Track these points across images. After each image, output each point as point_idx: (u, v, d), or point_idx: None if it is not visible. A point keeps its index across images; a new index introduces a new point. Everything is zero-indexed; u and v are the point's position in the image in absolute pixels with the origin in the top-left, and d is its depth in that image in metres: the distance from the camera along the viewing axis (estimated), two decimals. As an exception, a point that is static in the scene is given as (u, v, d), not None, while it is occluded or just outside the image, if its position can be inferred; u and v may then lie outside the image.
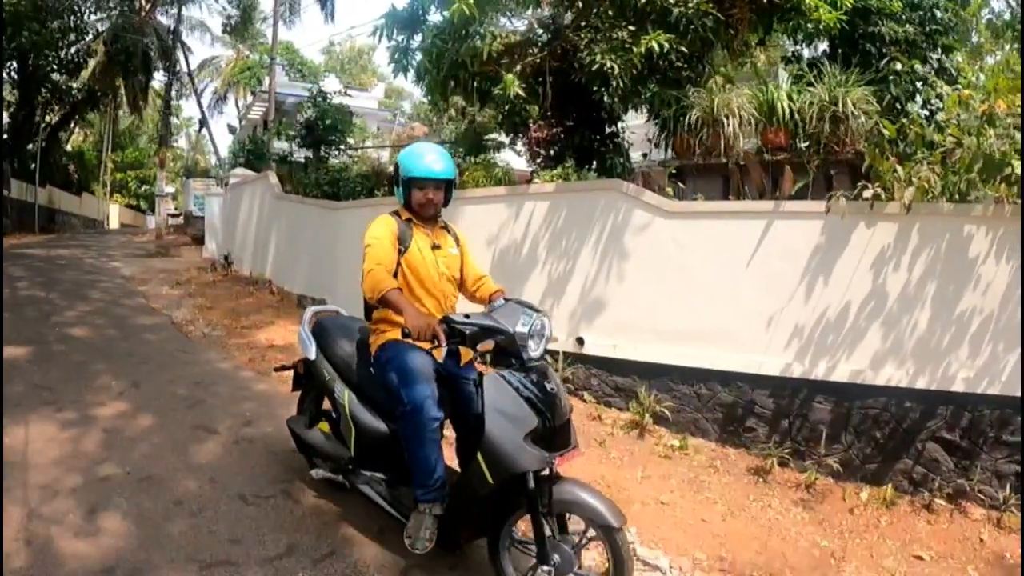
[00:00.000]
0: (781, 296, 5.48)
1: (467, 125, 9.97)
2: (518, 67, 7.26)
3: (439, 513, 3.32)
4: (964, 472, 5.20)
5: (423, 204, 3.67)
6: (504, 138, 9.23)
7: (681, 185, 6.64)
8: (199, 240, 19.07)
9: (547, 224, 6.48)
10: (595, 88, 6.78)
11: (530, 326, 3.14)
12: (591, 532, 3.17)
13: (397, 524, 3.51)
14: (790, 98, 6.22)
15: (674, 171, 6.99)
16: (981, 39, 10.06)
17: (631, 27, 6.78)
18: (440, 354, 3.52)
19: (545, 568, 3.10)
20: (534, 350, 3.17)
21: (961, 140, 5.36)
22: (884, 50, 7.06)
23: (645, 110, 7.55)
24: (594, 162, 7.52)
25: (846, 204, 5.15)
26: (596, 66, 6.54)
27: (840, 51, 7.72)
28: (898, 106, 6.81)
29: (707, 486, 5.10)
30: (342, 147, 13.19)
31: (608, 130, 7.89)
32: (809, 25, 6.97)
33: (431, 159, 3.63)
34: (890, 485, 5.20)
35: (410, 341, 3.22)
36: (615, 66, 6.47)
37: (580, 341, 6.13)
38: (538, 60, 7.41)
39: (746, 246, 5.58)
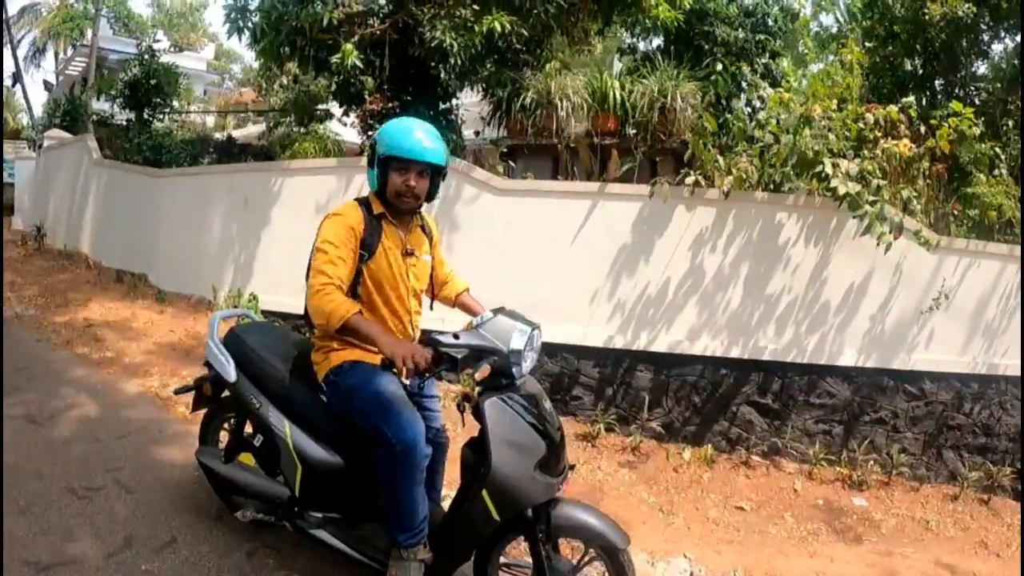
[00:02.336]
0: (605, 272, 5.73)
1: (299, 93, 9.59)
2: (357, 37, 7.06)
3: (425, 558, 2.86)
4: (777, 431, 5.80)
5: (401, 193, 2.83)
6: (337, 109, 8.95)
7: (512, 164, 6.75)
8: (8, 210, 17.39)
9: (376, 197, 6.35)
10: (433, 64, 6.72)
11: (525, 341, 2.72)
12: (591, 552, 2.89)
13: (369, 570, 3.02)
14: (623, 87, 6.48)
15: (505, 150, 7.07)
16: (805, 49, 10.84)
17: (475, 6, 6.77)
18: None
19: None
20: (527, 366, 2.77)
21: (779, 137, 5.82)
22: (716, 50, 7.48)
23: (481, 88, 7.58)
24: (428, 138, 7.37)
25: (668, 189, 5.50)
26: (436, 42, 6.49)
27: (674, 47, 8.08)
28: (723, 102, 7.21)
29: (538, 453, 5.23)
30: (167, 111, 12.35)
31: (443, 106, 7.84)
32: (647, 20, 7.25)
33: (420, 136, 2.82)
34: (710, 445, 5.67)
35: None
36: (455, 44, 6.45)
37: (405, 315, 6.07)
38: (378, 32, 7.25)
39: (572, 224, 5.77)
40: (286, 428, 3.01)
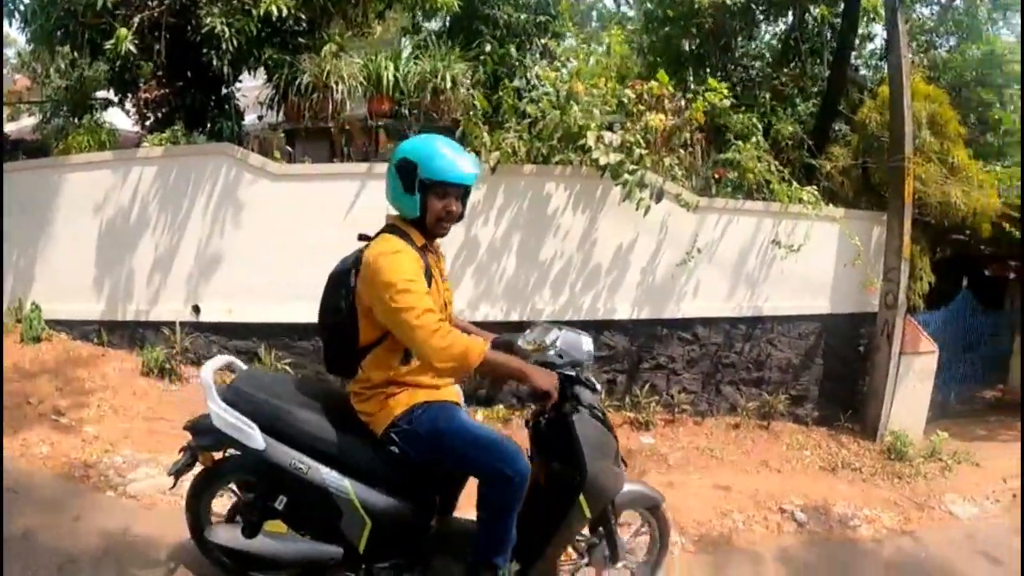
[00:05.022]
0: None
1: (76, 81, 9.02)
2: (135, 20, 6.76)
3: (515, 570, 2.92)
4: None
5: (443, 219, 2.69)
6: (114, 96, 8.54)
7: (289, 149, 6.72)
8: None
9: (156, 189, 6.15)
10: (209, 49, 6.56)
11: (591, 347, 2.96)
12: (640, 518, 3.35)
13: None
14: (396, 68, 6.54)
15: (282, 134, 7.00)
16: (569, 32, 11.36)
17: (253, -12, 6.65)
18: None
19: (620, 564, 3.18)
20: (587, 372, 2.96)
21: (546, 112, 6.08)
22: (496, 32, 7.68)
23: (263, 73, 7.46)
24: (207, 125, 7.26)
25: None
26: (210, 27, 6.36)
27: (453, 29, 8.26)
28: (504, 81, 7.37)
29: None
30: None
31: (224, 92, 7.65)
32: (427, 4, 7.37)
33: (464, 159, 2.68)
34: (501, 405, 6.05)
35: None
36: (226, 30, 6.35)
37: (196, 309, 5.93)
38: (155, 14, 6.96)
39: (349, 206, 5.83)
40: (347, 486, 2.76)
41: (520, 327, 5.93)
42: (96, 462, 4.34)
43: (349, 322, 2.72)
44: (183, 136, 6.42)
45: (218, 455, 2.97)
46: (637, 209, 5.70)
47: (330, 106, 6.33)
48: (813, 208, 6.82)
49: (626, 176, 5.69)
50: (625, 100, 6.44)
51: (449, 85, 6.36)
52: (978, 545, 5.13)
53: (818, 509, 5.24)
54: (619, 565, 3.21)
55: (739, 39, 9.96)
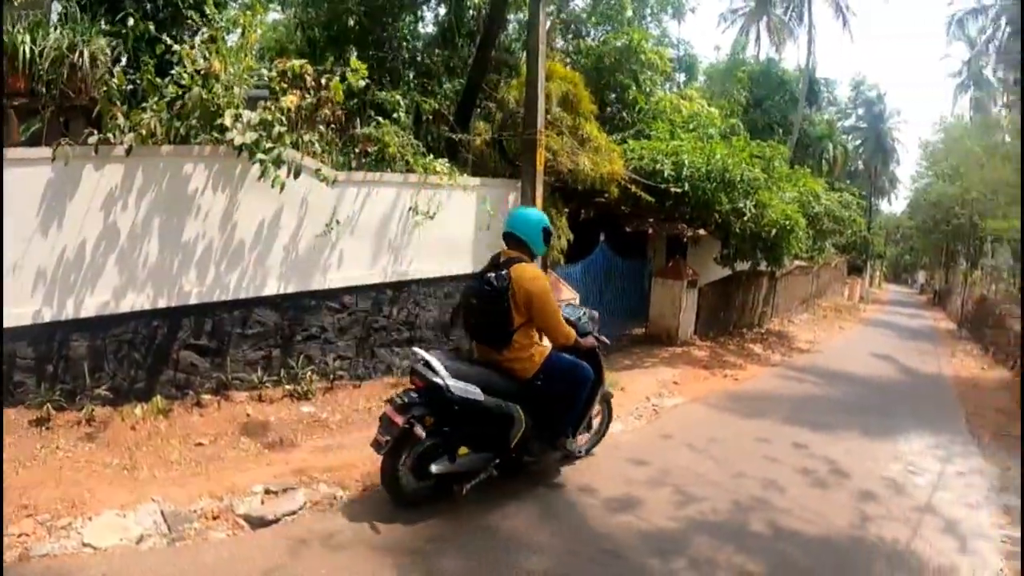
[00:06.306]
0: (20, 244, 5.33)
1: None
2: None
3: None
4: (219, 367, 6.35)
5: None
6: None
7: None
8: None
9: None
10: None
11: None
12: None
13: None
14: (34, 42, 5.91)
15: None
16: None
17: None
18: None
19: (589, 433, 6.00)
20: None
21: (188, 90, 6.11)
22: (142, 5, 7.41)
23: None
24: None
25: (71, 150, 5.34)
26: None
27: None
28: (144, 58, 7.14)
29: (-8, 450, 4.91)
30: None
31: None
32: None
33: None
34: (159, 396, 5.95)
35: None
36: None
37: None
38: None
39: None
40: (519, 408, 4.82)
41: (170, 313, 6.01)
42: None
43: (506, 315, 4.65)
44: None
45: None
46: (273, 186, 5.91)
47: (-44, 85, 5.73)
48: (448, 178, 7.70)
49: (260, 155, 5.88)
50: (267, 78, 6.76)
51: (88, 62, 6.08)
52: (622, 452, 6.29)
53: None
54: (588, 434, 5.91)
55: (397, 19, 10.58)
